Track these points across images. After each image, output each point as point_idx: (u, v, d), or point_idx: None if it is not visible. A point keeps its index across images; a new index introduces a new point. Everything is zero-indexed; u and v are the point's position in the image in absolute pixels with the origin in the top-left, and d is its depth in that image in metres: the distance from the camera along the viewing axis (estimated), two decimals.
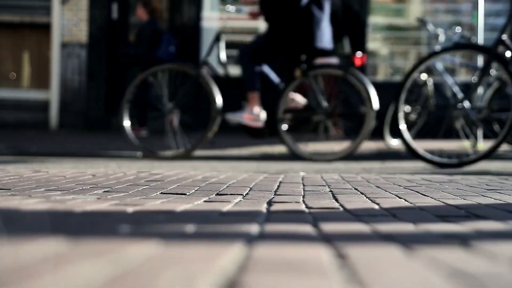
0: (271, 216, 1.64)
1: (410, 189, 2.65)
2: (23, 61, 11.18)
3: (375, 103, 6.03)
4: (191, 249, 1.09)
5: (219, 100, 6.19)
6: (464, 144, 7.72)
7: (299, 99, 6.26)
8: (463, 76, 9.87)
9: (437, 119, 7.37)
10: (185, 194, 2.23)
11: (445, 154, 6.50)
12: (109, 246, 1.08)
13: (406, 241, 1.25)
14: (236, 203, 1.97)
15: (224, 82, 6.44)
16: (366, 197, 2.29)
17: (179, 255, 1.02)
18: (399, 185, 2.86)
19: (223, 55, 6.38)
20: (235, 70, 7.15)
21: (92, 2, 10.28)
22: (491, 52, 5.64)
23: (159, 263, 0.95)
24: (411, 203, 2.11)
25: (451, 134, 6.62)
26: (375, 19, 10.44)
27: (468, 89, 7.07)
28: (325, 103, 6.28)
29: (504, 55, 5.75)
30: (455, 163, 5.45)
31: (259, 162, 6.08)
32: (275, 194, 2.31)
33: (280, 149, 6.99)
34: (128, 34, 10.47)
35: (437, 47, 7.58)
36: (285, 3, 6.06)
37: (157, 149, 6.36)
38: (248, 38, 10.30)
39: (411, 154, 5.92)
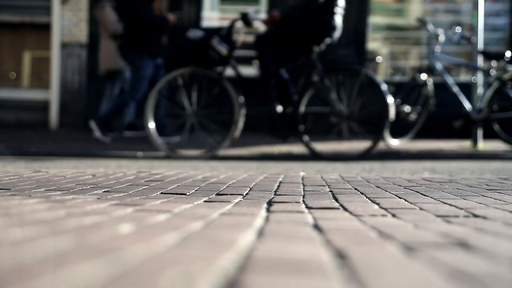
0: (271, 216, 1.64)
1: (410, 189, 2.65)
2: (23, 61, 11.18)
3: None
4: (191, 249, 1.09)
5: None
6: (464, 144, 7.72)
7: None
8: (464, 76, 9.87)
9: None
10: (185, 194, 2.24)
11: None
12: (109, 246, 1.08)
13: (406, 241, 1.25)
14: (236, 203, 1.97)
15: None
16: (366, 197, 2.29)
17: (179, 255, 1.02)
18: (399, 185, 2.86)
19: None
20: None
21: (92, 2, 10.28)
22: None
23: (159, 263, 0.95)
24: (411, 203, 2.11)
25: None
26: (375, 19, 10.44)
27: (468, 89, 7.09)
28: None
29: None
30: None
31: (259, 162, 6.07)
32: (275, 194, 2.31)
33: (280, 149, 6.99)
34: None
35: (437, 47, 7.58)
36: None
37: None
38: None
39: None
